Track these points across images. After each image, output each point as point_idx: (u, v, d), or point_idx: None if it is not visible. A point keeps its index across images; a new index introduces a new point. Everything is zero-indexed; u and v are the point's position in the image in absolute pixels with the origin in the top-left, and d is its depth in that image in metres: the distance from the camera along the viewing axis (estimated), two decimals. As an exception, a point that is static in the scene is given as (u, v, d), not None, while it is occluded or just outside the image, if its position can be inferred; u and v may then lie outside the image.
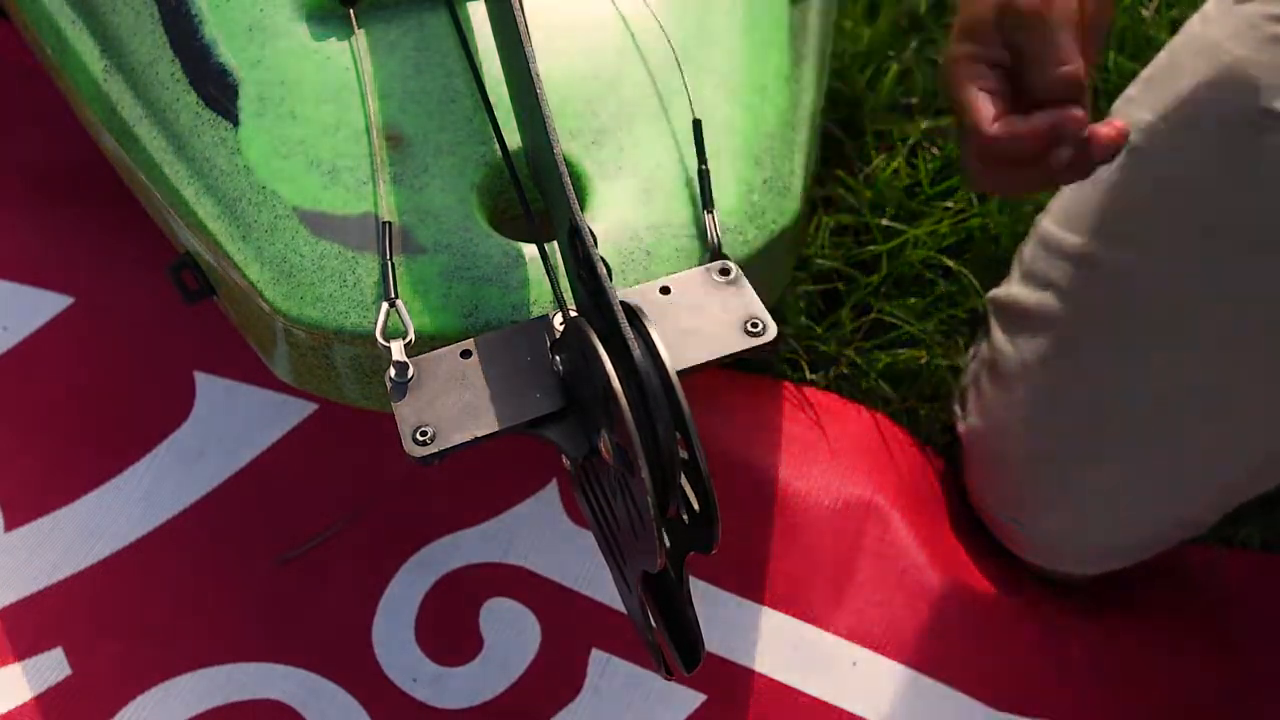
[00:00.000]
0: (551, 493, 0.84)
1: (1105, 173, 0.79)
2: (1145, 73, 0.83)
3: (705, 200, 0.64)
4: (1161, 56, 0.83)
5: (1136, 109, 0.81)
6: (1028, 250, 0.85)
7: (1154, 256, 0.78)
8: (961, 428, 0.88)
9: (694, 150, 0.66)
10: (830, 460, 0.85)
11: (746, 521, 0.83)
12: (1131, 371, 0.79)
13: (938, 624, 0.81)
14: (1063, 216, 0.83)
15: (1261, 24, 0.77)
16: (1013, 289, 0.85)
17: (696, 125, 0.66)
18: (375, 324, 0.58)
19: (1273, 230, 0.75)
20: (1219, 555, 0.87)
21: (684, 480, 0.51)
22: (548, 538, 0.82)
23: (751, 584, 0.82)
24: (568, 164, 0.63)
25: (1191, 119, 0.78)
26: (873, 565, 0.82)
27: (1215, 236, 0.77)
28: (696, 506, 0.51)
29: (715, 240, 0.62)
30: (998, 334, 0.85)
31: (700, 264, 0.62)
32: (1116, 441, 0.79)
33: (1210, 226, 0.77)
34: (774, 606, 0.81)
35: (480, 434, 0.54)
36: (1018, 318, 0.84)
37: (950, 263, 0.95)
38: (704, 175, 0.64)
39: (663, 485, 0.49)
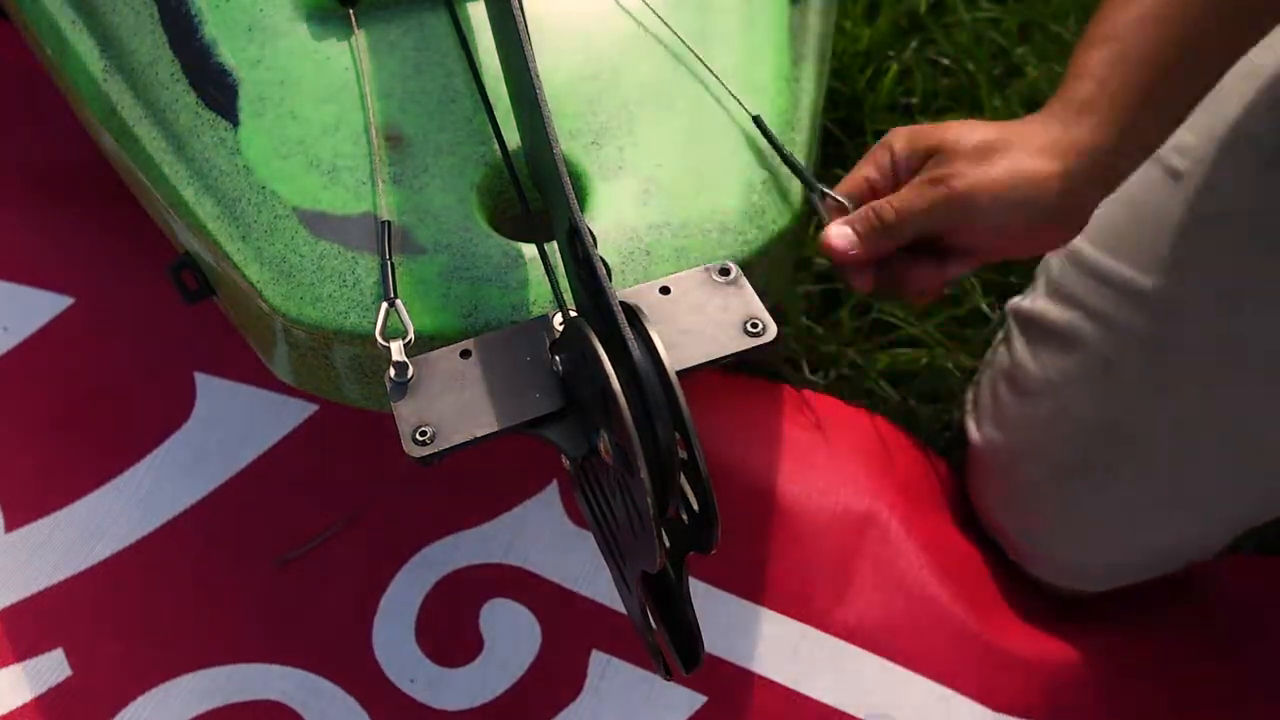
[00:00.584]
0: (551, 493, 0.84)
1: (1145, 195, 0.78)
2: None
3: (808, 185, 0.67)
4: None
5: (1182, 130, 0.80)
6: (1055, 265, 0.83)
7: (1195, 285, 0.77)
8: (975, 437, 0.87)
9: (694, 149, 0.66)
10: (830, 462, 0.85)
11: (746, 523, 0.83)
12: (1161, 398, 0.78)
13: (937, 625, 0.81)
14: (1099, 237, 0.81)
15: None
16: (1038, 303, 0.84)
17: (758, 121, 0.67)
18: (375, 324, 0.58)
19: None
20: (1218, 558, 0.87)
21: (683, 480, 0.51)
22: (548, 538, 0.82)
23: (751, 585, 0.81)
24: (568, 164, 0.63)
25: (1234, 142, 0.76)
26: (872, 567, 0.82)
27: (1258, 265, 0.76)
28: (696, 507, 0.51)
29: (825, 218, 0.65)
30: (1019, 346, 0.84)
31: (700, 264, 0.62)
32: (1136, 464, 0.79)
33: (1254, 253, 0.76)
34: (774, 608, 0.81)
35: (480, 434, 0.53)
36: (1043, 333, 0.83)
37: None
38: (789, 159, 0.67)
39: (662, 486, 0.49)
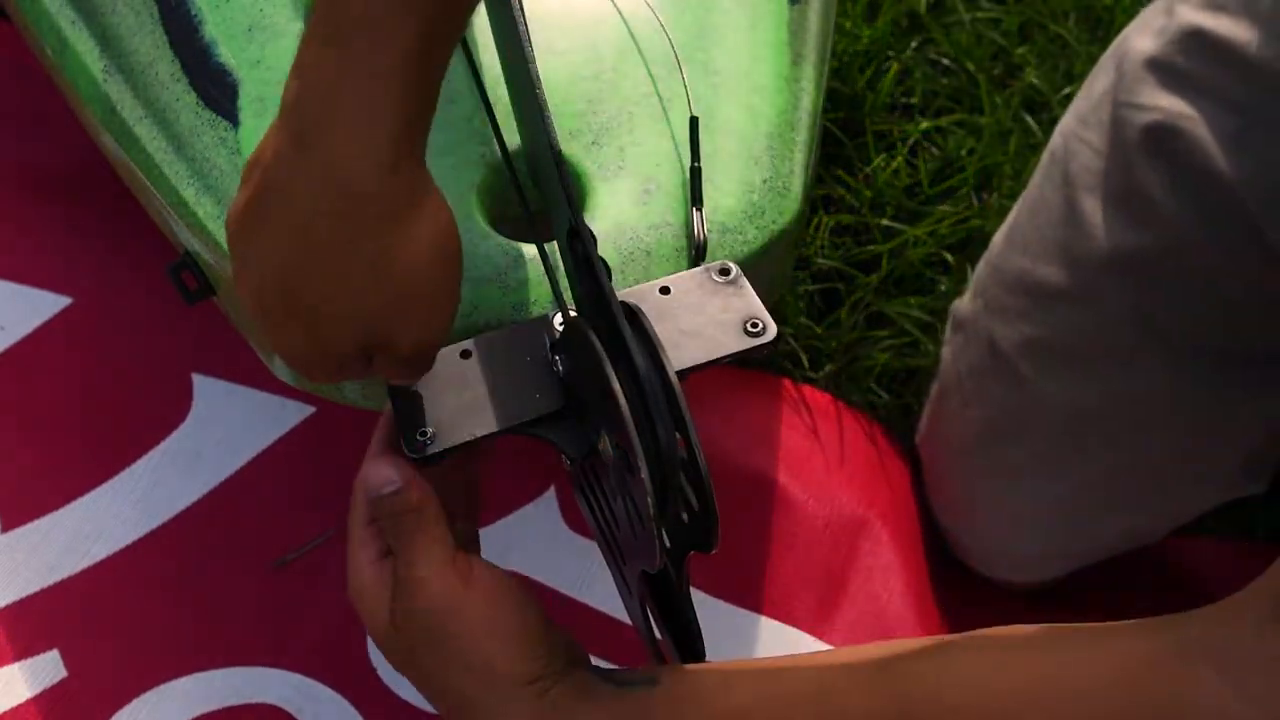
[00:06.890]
0: (549, 499, 0.84)
1: (1036, 192, 0.79)
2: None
3: (695, 198, 0.64)
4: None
5: (1065, 114, 0.80)
6: (980, 262, 0.85)
7: (1060, 266, 0.76)
8: (918, 438, 0.88)
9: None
10: (827, 467, 0.85)
11: (743, 526, 0.83)
12: (1047, 386, 0.77)
13: (932, 633, 0.81)
14: (1004, 227, 0.83)
15: (1150, 18, 0.76)
16: (963, 300, 0.85)
17: (693, 123, 0.66)
18: (374, 324, 0.58)
19: (1159, 238, 0.72)
20: (1204, 545, 0.87)
21: (683, 480, 0.51)
22: (545, 544, 0.82)
23: (747, 592, 0.81)
24: (568, 164, 0.63)
25: (1096, 114, 0.76)
26: (867, 574, 0.82)
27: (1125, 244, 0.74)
28: (696, 507, 0.51)
29: (702, 238, 0.62)
30: (944, 346, 0.86)
31: (694, 264, 0.62)
32: (1038, 455, 0.78)
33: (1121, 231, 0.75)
34: (769, 614, 0.81)
35: (480, 434, 0.53)
36: (955, 329, 0.84)
37: (951, 259, 0.95)
38: (696, 173, 0.64)
39: (662, 485, 0.49)
